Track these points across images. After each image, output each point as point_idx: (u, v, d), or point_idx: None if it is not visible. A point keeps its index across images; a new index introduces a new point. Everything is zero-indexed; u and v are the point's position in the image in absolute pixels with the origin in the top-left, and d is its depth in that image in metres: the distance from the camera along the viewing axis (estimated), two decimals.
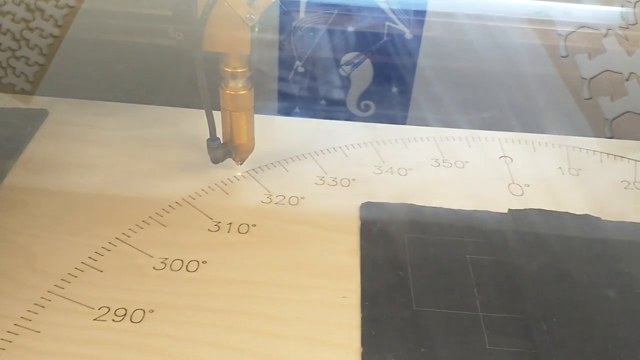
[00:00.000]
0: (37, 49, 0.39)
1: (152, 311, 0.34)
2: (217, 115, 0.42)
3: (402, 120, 0.52)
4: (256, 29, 0.39)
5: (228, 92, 0.41)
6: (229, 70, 0.40)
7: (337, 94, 0.48)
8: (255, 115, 0.43)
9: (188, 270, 0.37)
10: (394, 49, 0.47)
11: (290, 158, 0.47)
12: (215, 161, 0.44)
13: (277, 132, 0.50)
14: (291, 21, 0.46)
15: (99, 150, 0.46)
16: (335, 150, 0.48)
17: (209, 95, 0.40)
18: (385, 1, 0.45)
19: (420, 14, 0.47)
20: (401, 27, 0.46)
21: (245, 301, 0.35)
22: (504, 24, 0.49)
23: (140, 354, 0.32)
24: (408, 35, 0.46)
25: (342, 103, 0.49)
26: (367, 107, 0.48)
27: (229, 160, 0.45)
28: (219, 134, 0.43)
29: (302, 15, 0.46)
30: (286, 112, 0.50)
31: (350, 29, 0.46)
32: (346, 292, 0.36)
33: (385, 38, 0.46)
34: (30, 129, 0.47)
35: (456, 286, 0.36)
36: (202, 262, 0.37)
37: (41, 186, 0.42)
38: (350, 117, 0.53)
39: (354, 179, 0.45)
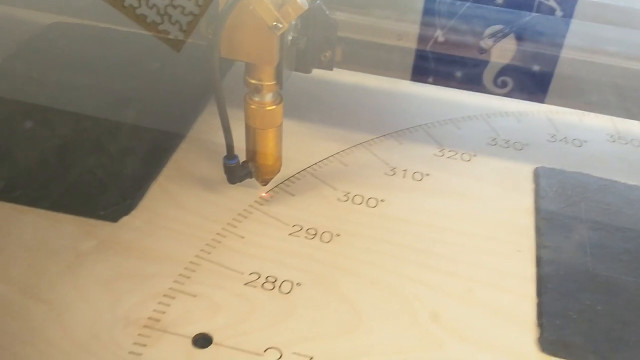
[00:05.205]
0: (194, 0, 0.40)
1: (339, 235, 0.37)
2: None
3: (540, 101, 0.51)
4: (289, 38, 0.34)
5: (253, 106, 0.36)
6: (253, 82, 0.35)
7: (475, 68, 0.47)
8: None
9: (368, 206, 0.40)
10: (541, 26, 0.45)
11: (462, 117, 0.48)
12: (232, 182, 0.38)
13: (447, 91, 0.51)
14: None
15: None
16: (508, 115, 0.48)
17: (225, 106, 0.35)
18: None
19: None
20: (552, 3, 0.45)
21: (421, 240, 0.37)
22: None
23: (328, 268, 0.35)
24: (558, 13, 0.45)
25: (478, 77, 0.48)
26: (505, 84, 0.47)
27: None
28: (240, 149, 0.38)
29: None
30: (420, 79, 0.50)
31: (498, 0, 0.45)
32: (520, 246, 0.37)
33: (533, 14, 0.45)
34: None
35: (636, 256, 0.36)
36: (381, 201, 0.40)
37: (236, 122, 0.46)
38: (484, 92, 0.53)
39: (527, 144, 0.45)
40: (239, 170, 0.38)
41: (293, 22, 0.34)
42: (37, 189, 0.38)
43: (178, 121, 0.45)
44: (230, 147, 0.37)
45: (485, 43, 0.46)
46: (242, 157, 0.38)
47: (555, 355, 0.31)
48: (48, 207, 0.37)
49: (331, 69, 0.40)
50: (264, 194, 0.40)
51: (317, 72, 0.40)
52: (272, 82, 0.35)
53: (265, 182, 0.40)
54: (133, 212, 0.38)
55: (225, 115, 0.35)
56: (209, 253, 0.35)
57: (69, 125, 0.43)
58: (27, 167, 0.40)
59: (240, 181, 0.38)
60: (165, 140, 0.43)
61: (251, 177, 0.39)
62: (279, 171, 0.39)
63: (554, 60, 0.46)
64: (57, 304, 0.32)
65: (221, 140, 0.37)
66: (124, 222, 0.37)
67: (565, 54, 0.44)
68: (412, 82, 0.45)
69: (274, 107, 0.36)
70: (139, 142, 0.42)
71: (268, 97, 0.36)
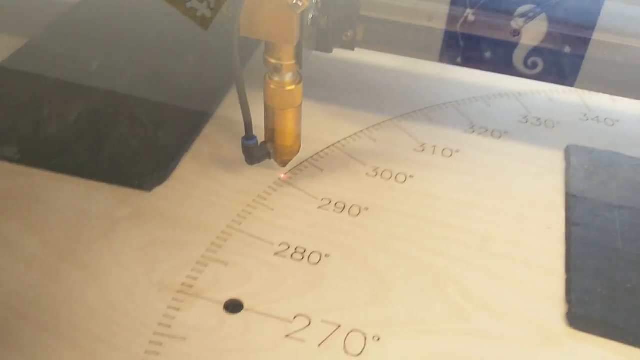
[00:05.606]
0: None
1: (367, 209, 0.38)
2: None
3: (570, 84, 0.50)
4: (310, 16, 0.34)
5: (272, 86, 0.35)
6: (272, 61, 0.34)
7: (505, 48, 0.47)
8: None
9: (397, 181, 0.40)
10: (574, 6, 0.44)
11: (493, 95, 0.48)
12: (250, 163, 0.38)
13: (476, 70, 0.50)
14: None
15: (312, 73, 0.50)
16: (539, 93, 0.48)
17: (244, 86, 0.35)
18: None
19: None
20: None
21: (450, 215, 0.38)
22: None
23: (356, 241, 0.36)
24: None
25: (508, 57, 0.47)
26: (535, 65, 0.46)
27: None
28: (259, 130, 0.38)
29: None
30: (448, 60, 0.50)
31: None
32: (550, 223, 0.37)
33: None
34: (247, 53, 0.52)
35: None
36: (410, 176, 0.40)
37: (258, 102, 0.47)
38: (514, 74, 0.52)
39: (558, 122, 0.45)
40: (258, 150, 0.38)
41: (314, 1, 0.34)
42: (74, 159, 0.39)
43: (208, 97, 0.45)
44: (249, 127, 0.37)
45: (516, 23, 0.45)
46: (262, 138, 0.38)
47: (583, 330, 0.31)
48: (84, 176, 0.38)
49: (353, 49, 0.40)
50: (282, 176, 0.40)
51: (337, 52, 0.40)
52: (292, 62, 0.34)
53: (284, 164, 0.39)
54: (166, 182, 0.38)
55: (244, 95, 0.35)
56: (240, 223, 0.36)
57: (105, 99, 0.44)
58: (64, 138, 0.41)
59: (259, 162, 0.38)
60: (196, 115, 0.44)
61: (270, 158, 0.38)
62: (297, 152, 0.39)
63: (585, 43, 0.45)
64: (93, 268, 0.33)
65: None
66: (157, 192, 0.38)
67: (597, 36, 0.43)
68: (439, 63, 0.44)
69: (293, 87, 0.35)
70: (171, 116, 0.43)
71: (287, 76, 0.35)
